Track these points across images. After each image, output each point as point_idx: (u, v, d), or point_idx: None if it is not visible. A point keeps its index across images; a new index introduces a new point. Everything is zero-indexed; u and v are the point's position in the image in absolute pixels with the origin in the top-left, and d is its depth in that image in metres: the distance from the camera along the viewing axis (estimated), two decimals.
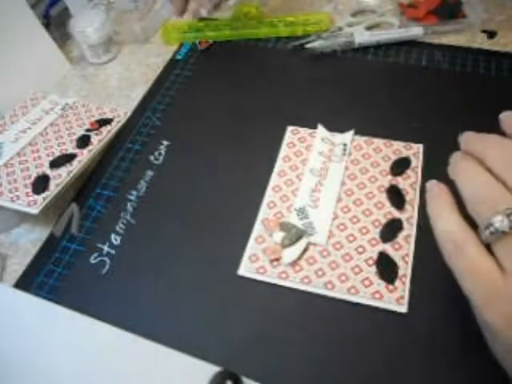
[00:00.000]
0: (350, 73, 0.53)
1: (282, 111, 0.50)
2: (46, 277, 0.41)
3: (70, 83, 0.59)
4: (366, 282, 0.37)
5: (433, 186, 0.29)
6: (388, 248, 0.39)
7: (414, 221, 0.40)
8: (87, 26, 0.57)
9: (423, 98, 0.49)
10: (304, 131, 0.48)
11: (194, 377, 0.33)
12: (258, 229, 0.42)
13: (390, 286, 0.37)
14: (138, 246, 0.42)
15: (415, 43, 0.55)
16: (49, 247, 0.43)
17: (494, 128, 0.29)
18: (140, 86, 0.57)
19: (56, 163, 0.46)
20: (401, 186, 0.43)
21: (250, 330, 0.37)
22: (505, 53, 0.52)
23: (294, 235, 0.40)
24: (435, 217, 0.28)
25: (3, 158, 0.47)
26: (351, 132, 0.47)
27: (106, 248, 0.42)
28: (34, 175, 0.45)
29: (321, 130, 0.48)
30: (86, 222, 0.45)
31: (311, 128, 0.48)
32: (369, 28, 0.57)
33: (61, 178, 0.45)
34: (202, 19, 0.60)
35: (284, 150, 0.47)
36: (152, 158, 0.49)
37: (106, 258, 0.42)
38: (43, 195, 0.43)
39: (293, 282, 0.38)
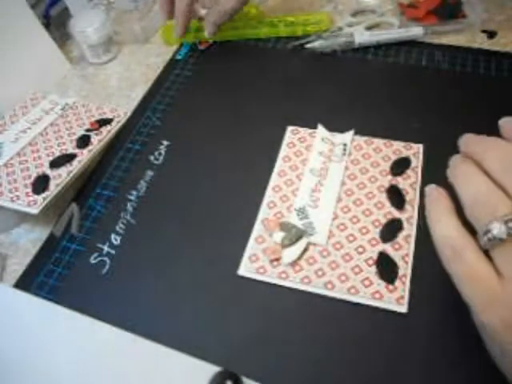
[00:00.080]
0: (350, 73, 0.53)
1: (282, 111, 0.50)
2: (46, 277, 0.41)
3: (70, 83, 0.59)
4: (366, 282, 0.37)
5: (431, 190, 0.29)
6: (388, 248, 0.39)
7: (414, 221, 0.40)
8: (87, 25, 0.57)
9: (423, 97, 0.49)
10: (304, 131, 0.48)
11: (194, 377, 0.33)
12: (257, 229, 0.42)
13: (390, 286, 0.37)
14: (138, 246, 0.42)
15: (415, 43, 0.55)
16: (49, 247, 0.44)
17: (494, 128, 0.29)
18: (140, 86, 0.57)
19: (56, 163, 0.46)
20: (401, 185, 0.43)
21: (250, 330, 0.37)
22: (505, 53, 0.52)
23: (293, 235, 0.40)
24: (434, 222, 0.28)
25: (3, 158, 0.47)
26: (351, 132, 0.47)
27: (106, 248, 0.42)
28: (34, 175, 0.45)
29: (321, 130, 0.48)
30: (86, 222, 0.45)
31: (311, 128, 0.48)
32: (369, 28, 0.57)
33: (61, 178, 0.45)
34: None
35: (284, 150, 0.47)
36: (152, 157, 0.49)
37: (106, 258, 0.42)
38: (43, 195, 0.43)
39: (293, 282, 0.38)
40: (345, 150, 0.46)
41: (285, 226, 0.41)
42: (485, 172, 0.27)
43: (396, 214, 0.41)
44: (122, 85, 0.58)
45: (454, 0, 0.56)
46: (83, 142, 0.48)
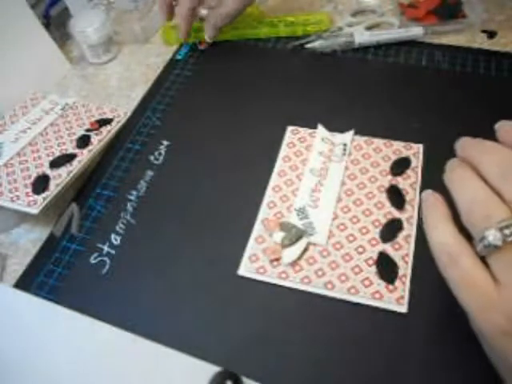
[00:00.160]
0: (350, 73, 0.53)
1: (282, 111, 0.50)
2: (46, 277, 0.41)
3: (70, 83, 0.59)
4: (366, 282, 0.37)
5: (428, 195, 0.29)
6: (388, 248, 0.39)
7: (414, 221, 0.40)
8: (87, 26, 0.57)
9: (423, 97, 0.49)
10: (304, 131, 0.48)
11: (194, 377, 0.33)
12: (257, 229, 0.42)
13: (390, 286, 0.37)
14: (138, 246, 0.42)
15: (415, 43, 0.55)
16: (49, 247, 0.44)
17: (493, 128, 0.29)
18: (140, 86, 0.57)
19: (56, 163, 0.46)
20: (401, 186, 0.43)
21: (250, 330, 0.37)
22: (505, 53, 0.52)
23: (293, 235, 0.40)
24: (430, 228, 0.28)
25: (3, 158, 0.47)
26: (351, 132, 0.47)
27: (106, 248, 0.42)
28: (34, 175, 0.45)
29: (321, 130, 0.48)
30: (86, 222, 0.45)
31: (311, 128, 0.48)
32: (369, 28, 0.57)
33: (61, 178, 0.45)
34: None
35: (284, 150, 0.47)
36: (152, 157, 0.49)
37: (106, 258, 0.42)
38: (43, 195, 0.43)
39: (293, 282, 0.38)
40: (345, 149, 0.46)
41: (285, 226, 0.41)
42: (481, 177, 0.27)
43: (396, 214, 0.41)
44: (122, 85, 0.58)
45: (454, 0, 0.56)
46: (83, 141, 0.48)
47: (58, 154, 0.47)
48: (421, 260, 0.38)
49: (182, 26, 0.56)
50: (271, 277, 0.39)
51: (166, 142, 0.50)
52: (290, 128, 0.49)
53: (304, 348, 0.35)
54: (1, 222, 0.45)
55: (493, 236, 0.24)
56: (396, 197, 0.42)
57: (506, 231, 0.24)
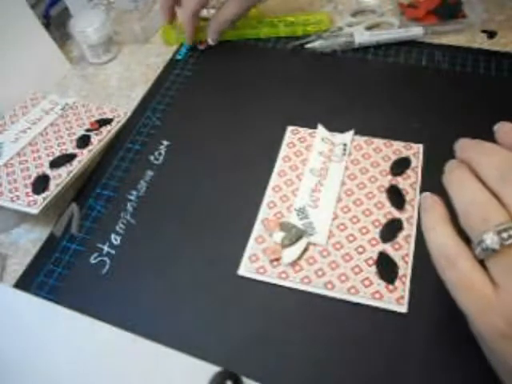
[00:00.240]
0: (350, 73, 0.53)
1: (282, 111, 0.50)
2: (46, 277, 0.41)
3: (70, 83, 0.59)
4: (366, 282, 0.37)
5: (426, 197, 0.29)
6: (388, 248, 0.39)
7: (414, 221, 0.40)
8: (87, 25, 0.57)
9: (423, 97, 0.49)
10: (304, 131, 0.48)
11: (194, 377, 0.33)
12: (258, 229, 0.42)
13: (390, 286, 0.37)
14: (138, 246, 0.42)
15: (415, 43, 0.55)
16: (49, 247, 0.44)
17: (492, 129, 0.29)
18: (140, 86, 0.57)
19: (56, 163, 0.46)
20: (401, 186, 0.43)
21: (250, 330, 0.37)
22: (505, 53, 0.52)
23: (294, 235, 0.40)
24: (428, 230, 0.28)
25: (3, 158, 0.47)
26: (351, 132, 0.47)
27: (106, 248, 0.42)
28: (34, 175, 0.45)
29: (321, 130, 0.48)
30: (86, 222, 0.45)
31: (311, 128, 0.48)
32: (369, 28, 0.57)
33: (61, 178, 0.45)
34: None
35: (284, 150, 0.47)
36: (152, 157, 0.49)
37: (106, 258, 0.42)
38: (43, 195, 0.43)
39: (293, 282, 0.38)
40: (345, 149, 0.46)
41: (285, 226, 0.41)
42: (480, 178, 0.27)
43: (396, 214, 0.41)
44: (122, 85, 0.58)
45: (454, 0, 0.56)
46: (83, 142, 0.48)
47: (58, 153, 0.47)
48: (421, 260, 0.38)
49: (187, 31, 0.57)
50: (271, 277, 0.39)
51: (166, 142, 0.50)
52: (289, 128, 0.49)
53: (304, 348, 0.35)
54: (1, 221, 0.45)
55: (490, 239, 0.24)
56: (396, 197, 0.42)
57: (504, 235, 0.24)
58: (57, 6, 0.64)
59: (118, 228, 0.44)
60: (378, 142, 0.46)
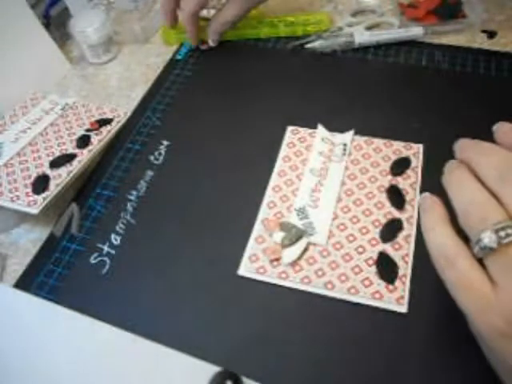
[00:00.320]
0: (350, 73, 0.53)
1: (282, 111, 0.50)
2: (46, 277, 0.41)
3: (70, 83, 0.59)
4: (366, 282, 0.37)
5: (425, 198, 0.29)
6: (388, 248, 0.39)
7: (414, 221, 0.40)
8: (87, 26, 0.57)
9: (423, 97, 0.49)
10: (304, 131, 0.48)
11: (194, 377, 0.33)
12: (257, 229, 0.42)
13: (390, 286, 0.37)
14: (138, 246, 0.42)
15: (415, 43, 0.55)
16: (49, 247, 0.44)
17: (491, 129, 0.29)
18: (140, 85, 0.57)
19: (56, 163, 0.46)
20: (401, 186, 0.43)
21: (250, 330, 0.37)
22: (505, 53, 0.52)
23: (294, 235, 0.40)
24: (428, 230, 0.28)
25: (3, 158, 0.47)
26: (351, 132, 0.47)
27: (106, 248, 0.42)
28: (34, 175, 0.45)
29: (321, 130, 0.48)
30: (86, 222, 0.45)
31: (311, 128, 0.48)
32: (369, 28, 0.57)
33: (61, 178, 0.45)
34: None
35: (284, 150, 0.47)
36: (152, 157, 0.49)
37: (106, 258, 0.42)
38: (43, 195, 0.43)
39: (293, 282, 0.38)
40: (345, 149, 0.46)
41: (285, 226, 0.41)
42: (479, 179, 0.27)
43: (396, 214, 0.41)
44: (122, 85, 0.58)
45: (454, 0, 0.56)
46: (83, 142, 0.48)
47: (58, 153, 0.47)
48: (421, 260, 0.38)
49: (189, 33, 0.56)
50: (271, 277, 0.39)
51: (166, 142, 0.50)
52: (290, 128, 0.49)
53: (304, 348, 0.35)
54: (1, 221, 0.45)
55: (488, 238, 0.24)
56: (396, 197, 0.42)
57: (502, 233, 0.24)
58: (57, 6, 0.64)
59: (118, 228, 0.44)
60: (378, 142, 0.46)
